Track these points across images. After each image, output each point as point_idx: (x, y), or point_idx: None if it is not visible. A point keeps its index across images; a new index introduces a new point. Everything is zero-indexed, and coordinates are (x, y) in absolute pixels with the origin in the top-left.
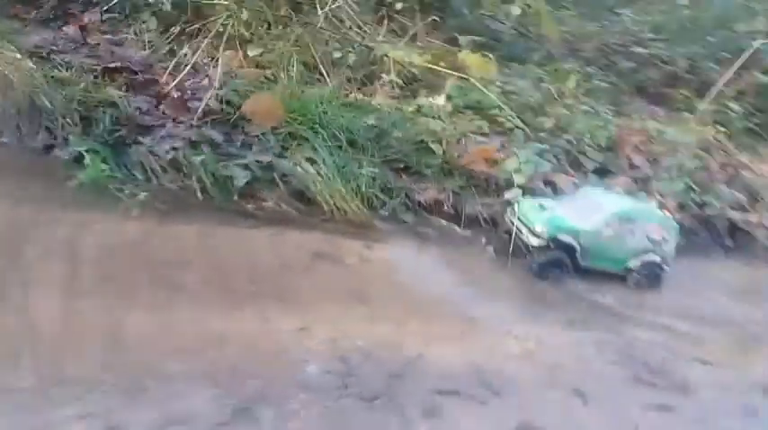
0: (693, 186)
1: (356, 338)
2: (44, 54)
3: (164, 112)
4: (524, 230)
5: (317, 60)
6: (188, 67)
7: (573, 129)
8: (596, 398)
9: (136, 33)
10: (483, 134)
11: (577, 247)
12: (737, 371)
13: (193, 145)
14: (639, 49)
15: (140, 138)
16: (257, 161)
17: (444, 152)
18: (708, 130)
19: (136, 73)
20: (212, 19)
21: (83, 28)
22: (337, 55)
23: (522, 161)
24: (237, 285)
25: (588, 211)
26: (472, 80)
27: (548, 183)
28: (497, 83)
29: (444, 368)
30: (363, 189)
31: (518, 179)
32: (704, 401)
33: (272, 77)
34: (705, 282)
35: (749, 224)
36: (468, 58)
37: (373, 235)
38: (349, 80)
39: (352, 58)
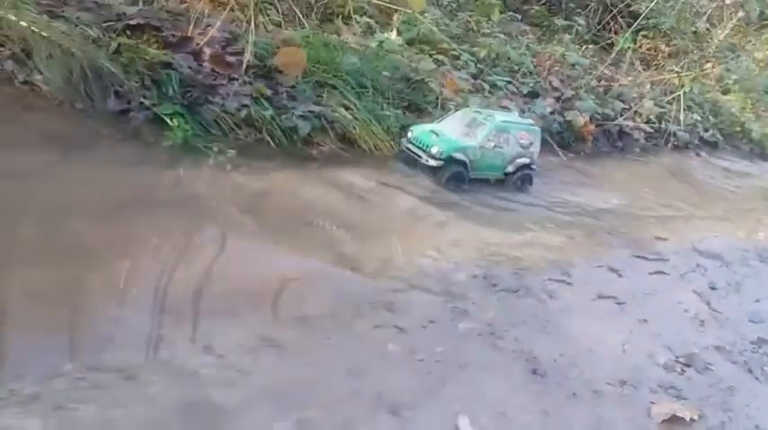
0: (596, 101)
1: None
2: (59, 12)
3: (212, 70)
4: (423, 155)
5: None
6: (198, 21)
7: (504, 57)
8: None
9: None
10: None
11: (468, 161)
12: None
13: (255, 100)
14: None
15: (210, 98)
16: (310, 111)
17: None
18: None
19: (158, 29)
20: None
21: None
22: None
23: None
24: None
25: (472, 129)
26: (416, 15)
27: (501, 107)
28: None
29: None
30: (391, 129)
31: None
32: None
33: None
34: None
35: (631, 128)
36: None
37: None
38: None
39: None
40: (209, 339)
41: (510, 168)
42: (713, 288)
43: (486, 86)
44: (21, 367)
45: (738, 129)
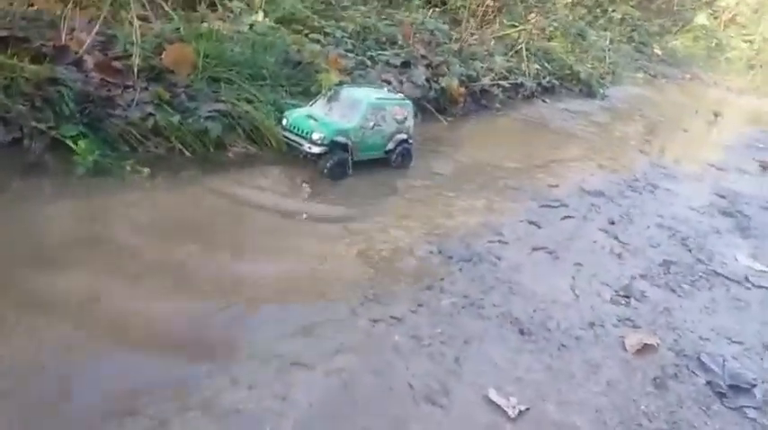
0: (461, 64)
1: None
2: None
3: (102, 80)
4: (304, 143)
5: None
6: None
7: (373, 29)
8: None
9: None
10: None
11: (350, 144)
12: None
13: (157, 106)
14: None
15: (110, 111)
16: (216, 110)
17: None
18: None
19: (25, 40)
20: None
21: None
22: None
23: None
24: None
25: (348, 110)
26: None
27: (383, 80)
28: None
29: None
30: None
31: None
32: None
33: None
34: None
35: (489, 86)
36: None
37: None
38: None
39: None
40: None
41: (390, 145)
42: (612, 222)
43: (368, 62)
44: None
45: (568, 72)
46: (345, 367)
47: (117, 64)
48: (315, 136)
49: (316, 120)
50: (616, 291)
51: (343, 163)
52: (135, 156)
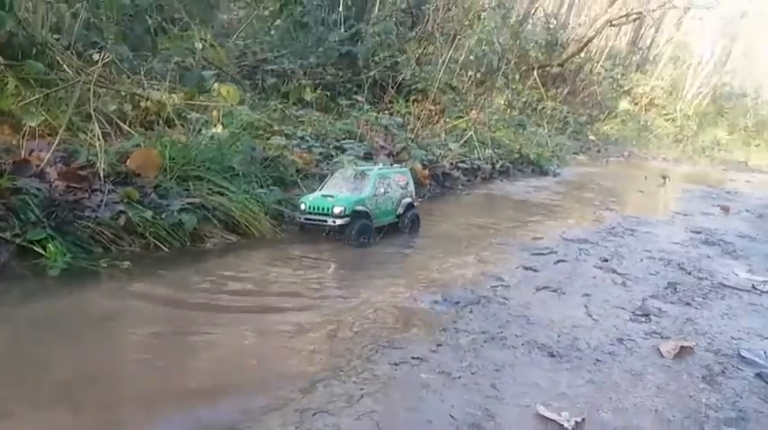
0: (422, 150)
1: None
2: None
3: (67, 186)
4: (327, 218)
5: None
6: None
7: (330, 130)
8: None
9: None
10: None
11: (369, 211)
12: None
13: (128, 205)
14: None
15: (78, 213)
16: (190, 203)
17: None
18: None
19: None
20: None
21: None
22: (112, 107)
23: (344, 158)
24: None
25: (358, 183)
26: (238, 108)
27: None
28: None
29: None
30: (270, 207)
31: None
32: None
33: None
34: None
35: (449, 169)
36: (222, 89)
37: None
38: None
39: (128, 108)
40: None
41: (400, 210)
42: (605, 260)
43: (333, 153)
44: None
45: (518, 155)
46: (374, 409)
47: (81, 172)
48: (336, 209)
49: (332, 197)
50: (633, 312)
51: (366, 229)
52: (109, 256)
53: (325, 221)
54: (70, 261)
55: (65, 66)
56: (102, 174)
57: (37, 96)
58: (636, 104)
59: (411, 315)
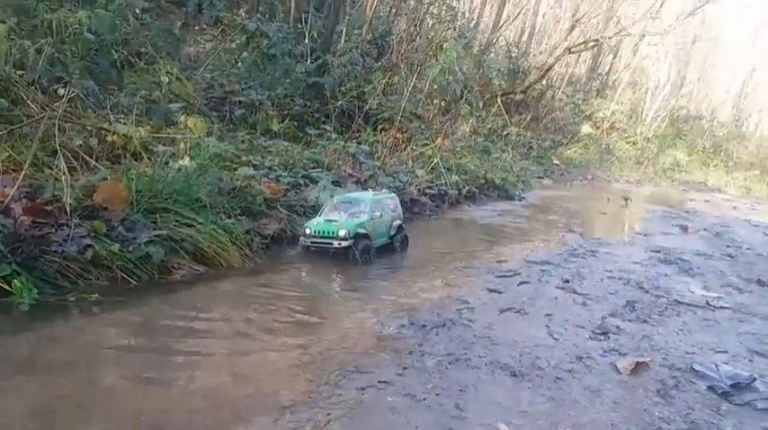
0: (389, 177)
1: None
2: None
3: (33, 221)
4: (333, 241)
5: (61, 149)
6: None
7: (299, 159)
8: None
9: None
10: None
11: (369, 233)
12: None
13: (95, 239)
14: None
15: (45, 248)
16: (157, 235)
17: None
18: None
19: None
20: None
21: None
22: (78, 142)
23: (321, 187)
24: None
25: (355, 209)
26: (205, 139)
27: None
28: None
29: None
30: (238, 237)
31: (324, 197)
32: None
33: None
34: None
35: (417, 195)
36: (189, 121)
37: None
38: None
39: (94, 142)
40: None
41: (392, 232)
42: (567, 281)
43: (301, 182)
44: None
45: (483, 181)
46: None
47: (47, 207)
48: (341, 233)
49: (336, 221)
50: (592, 331)
51: (368, 249)
52: (77, 290)
53: (331, 244)
54: (38, 296)
55: (29, 101)
56: (68, 209)
57: (0, 132)
58: (597, 128)
59: (378, 339)
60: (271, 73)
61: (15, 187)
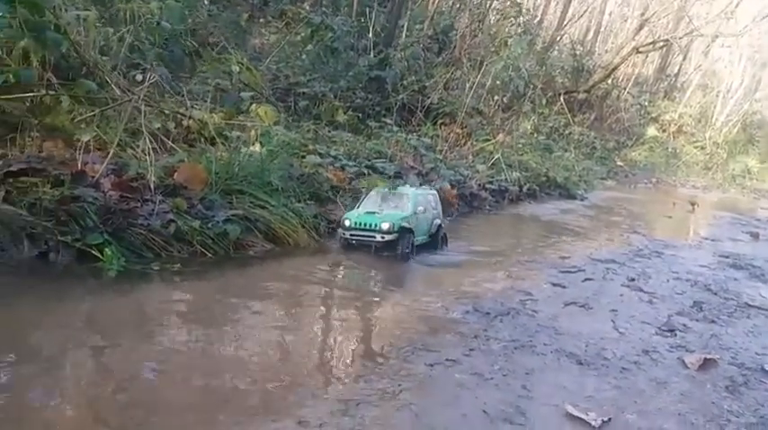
0: (452, 172)
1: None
2: None
3: (121, 196)
4: (375, 235)
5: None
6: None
7: (362, 150)
8: None
9: None
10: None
11: (414, 228)
12: None
13: (177, 215)
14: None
15: (132, 221)
16: (234, 215)
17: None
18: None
19: (43, 171)
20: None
21: None
22: (157, 125)
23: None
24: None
25: (398, 203)
26: (274, 127)
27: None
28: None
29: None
30: (307, 220)
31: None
32: None
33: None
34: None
35: (477, 190)
36: (259, 110)
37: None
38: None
39: (171, 126)
40: None
41: (433, 229)
42: (632, 279)
43: (365, 171)
44: None
45: (545, 179)
46: (413, 402)
47: (132, 183)
48: (384, 226)
49: (378, 214)
50: (659, 327)
51: (412, 245)
52: (159, 261)
53: (373, 237)
54: (125, 264)
55: (112, 85)
56: (152, 186)
57: (91, 113)
58: (664, 131)
59: (444, 322)
60: (333, 65)
61: (104, 164)
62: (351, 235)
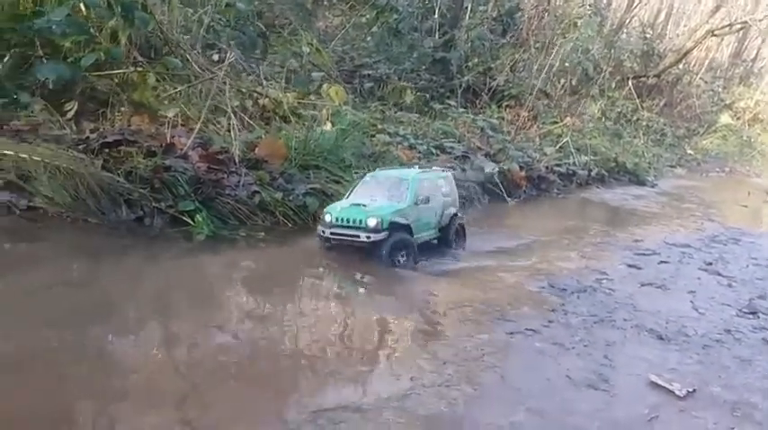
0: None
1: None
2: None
3: (209, 167)
4: (360, 233)
5: (231, 108)
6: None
7: (429, 130)
8: None
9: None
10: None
11: (410, 223)
12: None
13: (260, 187)
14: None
15: (220, 191)
16: (313, 188)
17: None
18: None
19: (134, 143)
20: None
21: None
22: (235, 102)
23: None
24: None
25: (394, 190)
26: (344, 107)
27: (448, 166)
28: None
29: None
30: None
31: None
32: None
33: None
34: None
35: (545, 173)
36: (330, 90)
37: None
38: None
39: (248, 103)
40: None
41: (444, 221)
42: (710, 263)
43: (433, 150)
44: None
45: (614, 164)
46: (497, 365)
47: (219, 156)
48: (371, 222)
49: (365, 206)
50: (740, 309)
51: (405, 243)
52: (245, 228)
53: (357, 237)
54: (214, 230)
55: (193, 63)
56: (236, 159)
57: (176, 90)
58: (738, 119)
59: (520, 295)
60: (398, 47)
61: (191, 138)
62: (331, 233)
